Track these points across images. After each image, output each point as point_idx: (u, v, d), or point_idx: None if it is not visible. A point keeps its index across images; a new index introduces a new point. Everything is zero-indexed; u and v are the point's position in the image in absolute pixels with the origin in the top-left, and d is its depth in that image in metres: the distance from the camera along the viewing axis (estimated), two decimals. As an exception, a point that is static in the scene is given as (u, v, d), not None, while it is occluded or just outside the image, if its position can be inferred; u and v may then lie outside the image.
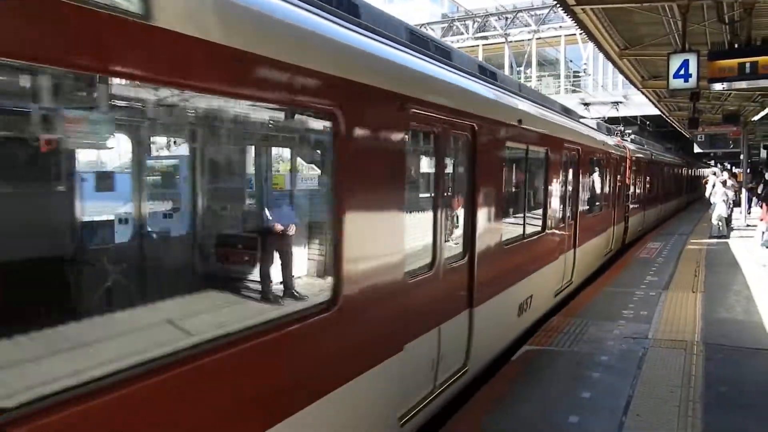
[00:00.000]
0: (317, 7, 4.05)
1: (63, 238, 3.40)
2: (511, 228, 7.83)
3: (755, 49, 9.97)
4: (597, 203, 13.91)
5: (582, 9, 11.61)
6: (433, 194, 5.51)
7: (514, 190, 8.53)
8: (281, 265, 4.04)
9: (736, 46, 10.73)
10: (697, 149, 31.12)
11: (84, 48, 2.42)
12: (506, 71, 43.27)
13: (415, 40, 5.82)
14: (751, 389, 6.42)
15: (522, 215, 8.47)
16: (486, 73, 7.74)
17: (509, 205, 8.01)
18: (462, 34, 44.87)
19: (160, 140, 4.12)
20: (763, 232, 16.37)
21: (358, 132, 4.09)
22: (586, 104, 21.55)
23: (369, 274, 4.30)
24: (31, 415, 2.26)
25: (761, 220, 17.46)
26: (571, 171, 11.09)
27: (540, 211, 9.26)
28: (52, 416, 2.32)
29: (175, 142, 4.07)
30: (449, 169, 5.97)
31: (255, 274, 4.05)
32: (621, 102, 22.29)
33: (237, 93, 3.21)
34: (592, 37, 13.82)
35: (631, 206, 18.38)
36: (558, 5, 11.97)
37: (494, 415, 5.69)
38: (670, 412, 5.74)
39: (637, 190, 20.41)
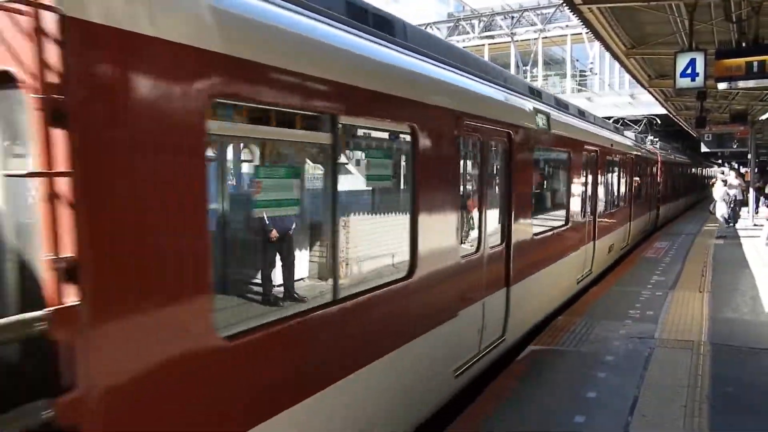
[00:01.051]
0: (399, 45, 5.36)
1: None
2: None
3: (763, 47, 9.92)
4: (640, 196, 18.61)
5: (588, 8, 11.58)
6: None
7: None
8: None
9: (743, 44, 10.68)
10: (704, 148, 31.00)
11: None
12: (512, 70, 43.17)
13: (482, 67, 7.58)
14: (758, 390, 6.40)
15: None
16: (533, 92, 9.59)
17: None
18: (468, 33, 44.80)
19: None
20: None
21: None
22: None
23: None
24: None
25: (767, 219, 17.36)
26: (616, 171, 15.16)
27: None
28: None
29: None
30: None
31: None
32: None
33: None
34: (598, 36, 13.78)
35: (663, 197, 24.49)
36: (564, 4, 11.94)
37: (500, 414, 5.69)
38: (676, 413, 5.72)
39: (668, 186, 26.31)
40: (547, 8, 40.85)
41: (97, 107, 2.56)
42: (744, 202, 25.59)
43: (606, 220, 13.43)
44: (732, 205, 21.65)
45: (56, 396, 2.41)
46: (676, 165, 30.71)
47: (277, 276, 4.90)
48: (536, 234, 8.55)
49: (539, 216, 9.19)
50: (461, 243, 6.15)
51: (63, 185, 2.42)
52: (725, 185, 21.35)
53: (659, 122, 28.88)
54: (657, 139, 26.54)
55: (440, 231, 5.59)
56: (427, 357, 5.41)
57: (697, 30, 11.69)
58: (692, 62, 10.33)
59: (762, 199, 23.81)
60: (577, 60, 43.23)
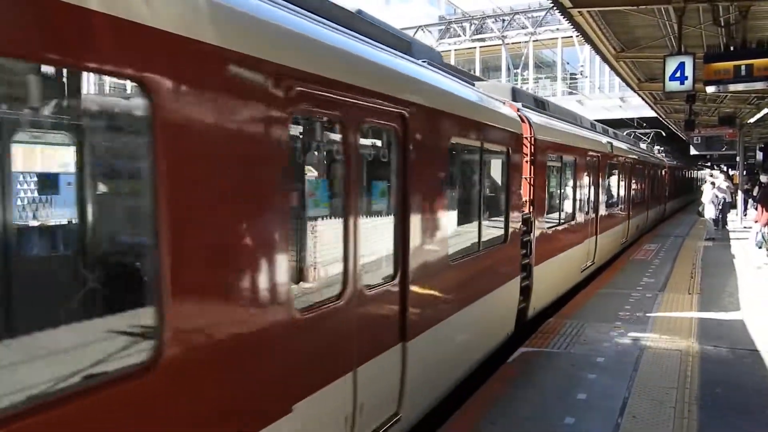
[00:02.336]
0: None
1: None
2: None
3: (751, 51, 10.01)
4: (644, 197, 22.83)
5: (578, 11, 11.65)
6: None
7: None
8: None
9: (731, 48, 10.78)
10: (693, 151, 31.20)
11: None
12: (503, 73, 43.31)
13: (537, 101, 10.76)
14: (747, 390, 6.44)
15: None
16: (577, 119, 14.04)
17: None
18: (459, 36, 44.92)
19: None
20: (757, 233, 16.39)
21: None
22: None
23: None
24: None
25: (755, 221, 17.50)
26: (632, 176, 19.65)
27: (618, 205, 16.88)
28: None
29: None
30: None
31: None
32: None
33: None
34: (588, 39, 13.86)
35: (669, 195, 31.75)
36: (555, 8, 12.00)
37: (490, 416, 5.69)
38: (665, 414, 5.75)
39: (671, 186, 33.07)
40: (537, 11, 41.02)
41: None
42: (732, 205, 25.80)
43: (639, 211, 21.17)
44: (720, 208, 21.82)
45: None
46: (678, 169, 39.02)
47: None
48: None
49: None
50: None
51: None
52: (714, 187, 21.50)
53: (664, 134, 32.82)
54: (662, 149, 33.72)
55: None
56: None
57: (685, 34, 11.78)
58: (681, 66, 10.41)
59: (750, 201, 24.03)
60: (568, 63, 43.48)
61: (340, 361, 4.12)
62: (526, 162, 9.01)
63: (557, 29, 38.70)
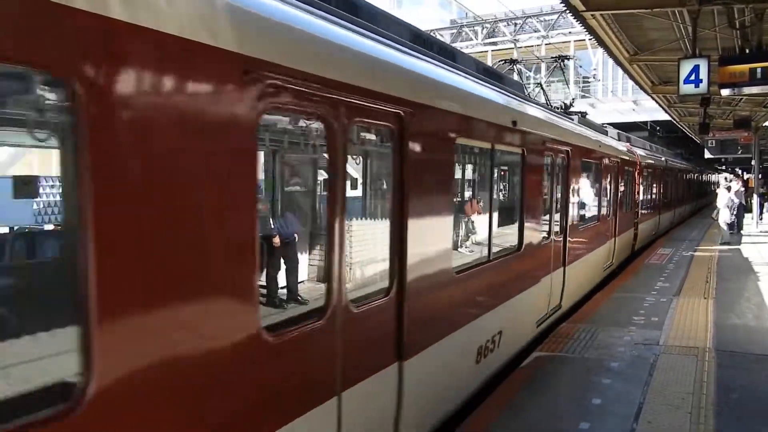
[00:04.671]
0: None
1: None
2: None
3: (766, 54, 9.94)
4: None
5: (592, 15, 11.63)
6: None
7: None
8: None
9: (747, 51, 10.70)
10: (707, 154, 30.97)
11: None
12: (515, 76, 43.14)
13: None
14: (763, 396, 6.38)
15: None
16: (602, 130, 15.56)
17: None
18: (471, 39, 44.89)
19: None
20: None
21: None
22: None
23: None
24: None
25: None
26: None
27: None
28: None
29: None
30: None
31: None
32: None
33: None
34: (601, 42, 13.82)
35: (693, 195, 38.82)
36: (568, 11, 11.98)
37: (504, 420, 5.67)
38: (681, 419, 5.70)
39: (694, 189, 39.67)
40: (550, 15, 40.89)
41: None
42: (747, 209, 25.53)
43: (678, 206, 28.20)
44: (735, 212, 21.59)
45: None
46: (701, 173, 44.96)
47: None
48: None
49: None
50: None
51: None
52: (729, 191, 21.28)
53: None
54: (688, 156, 39.14)
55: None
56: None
57: (700, 36, 11.72)
58: (696, 68, 10.35)
59: (766, 205, 23.75)
60: (581, 66, 43.26)
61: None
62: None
63: (570, 32, 38.56)
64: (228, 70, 2.86)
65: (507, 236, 7.51)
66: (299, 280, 4.75)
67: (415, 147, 4.55)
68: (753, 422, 5.73)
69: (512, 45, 41.67)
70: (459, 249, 6.47)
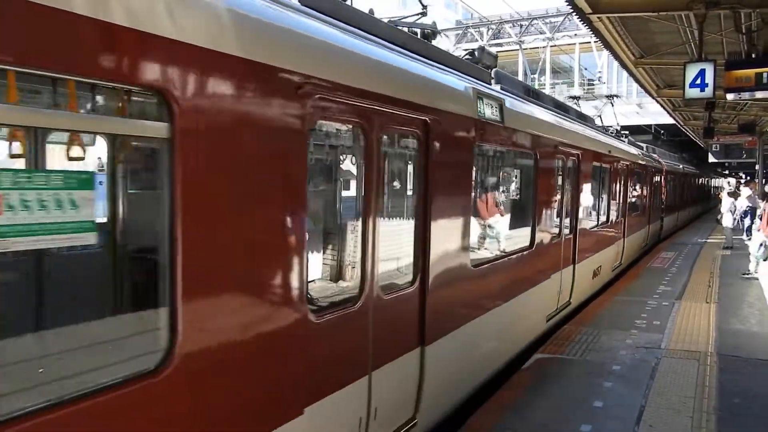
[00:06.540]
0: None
1: None
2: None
3: (773, 59, 9.94)
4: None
5: (598, 17, 11.61)
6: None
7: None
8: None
9: (753, 55, 10.69)
10: (711, 158, 30.95)
11: None
12: (520, 78, 43.15)
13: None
14: (765, 401, 6.37)
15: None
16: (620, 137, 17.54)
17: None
18: (476, 40, 44.84)
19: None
20: (761, 245, 14.19)
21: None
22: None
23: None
24: None
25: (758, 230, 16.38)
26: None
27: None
28: None
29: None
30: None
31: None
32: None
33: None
34: (607, 45, 13.81)
35: (707, 196, 44.75)
36: (574, 13, 11.97)
37: (505, 422, 5.68)
38: (683, 423, 5.71)
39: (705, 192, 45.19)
40: (555, 17, 40.85)
41: None
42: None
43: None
44: (743, 216, 21.49)
45: None
46: (709, 178, 48.76)
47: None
48: None
49: None
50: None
51: None
52: (731, 196, 21.23)
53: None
54: (696, 162, 41.28)
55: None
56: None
57: (706, 40, 11.70)
58: (702, 73, 10.34)
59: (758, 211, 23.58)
60: (585, 68, 43.20)
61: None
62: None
63: (575, 35, 38.56)
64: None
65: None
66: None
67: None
68: (754, 427, 5.73)
69: (517, 46, 41.60)
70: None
